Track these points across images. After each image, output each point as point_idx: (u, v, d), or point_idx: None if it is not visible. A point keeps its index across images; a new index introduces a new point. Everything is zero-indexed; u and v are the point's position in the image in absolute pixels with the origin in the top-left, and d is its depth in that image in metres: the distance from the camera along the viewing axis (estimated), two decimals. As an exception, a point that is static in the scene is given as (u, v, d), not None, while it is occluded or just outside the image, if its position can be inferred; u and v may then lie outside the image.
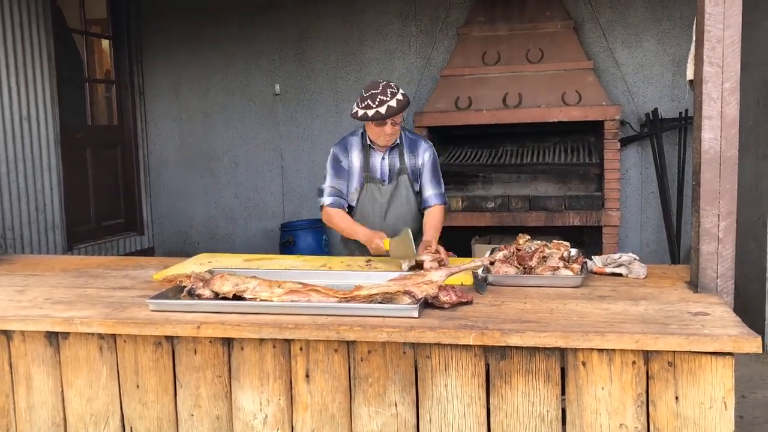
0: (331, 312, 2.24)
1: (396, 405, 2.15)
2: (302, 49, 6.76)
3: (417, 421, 2.15)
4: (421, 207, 3.35)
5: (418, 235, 3.25)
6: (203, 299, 2.38)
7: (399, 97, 3.11)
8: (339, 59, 6.69)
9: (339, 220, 3.27)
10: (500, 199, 5.78)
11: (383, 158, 3.30)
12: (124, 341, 2.32)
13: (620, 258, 2.76)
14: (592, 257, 2.82)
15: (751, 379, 4.14)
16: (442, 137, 6.12)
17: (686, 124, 5.85)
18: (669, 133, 5.98)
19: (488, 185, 6.22)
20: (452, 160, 5.90)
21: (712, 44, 2.30)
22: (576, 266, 2.63)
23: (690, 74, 2.53)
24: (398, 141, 3.29)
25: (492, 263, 2.70)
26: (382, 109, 3.07)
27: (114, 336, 2.32)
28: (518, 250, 2.70)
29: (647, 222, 6.19)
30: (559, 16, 6.02)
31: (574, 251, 2.77)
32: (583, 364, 2.03)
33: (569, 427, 2.06)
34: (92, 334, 2.32)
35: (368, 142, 3.28)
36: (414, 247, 2.86)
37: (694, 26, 2.47)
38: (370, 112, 3.09)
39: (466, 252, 5.48)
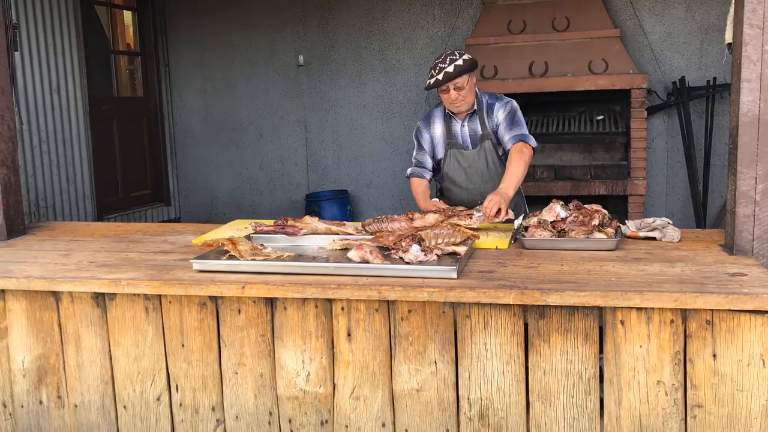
0: (371, 273, 2.29)
1: (436, 363, 2.20)
2: (326, 20, 6.74)
3: (456, 378, 2.20)
4: (507, 158, 3.27)
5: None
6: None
7: (458, 62, 3.15)
8: (363, 29, 6.67)
9: (414, 187, 3.40)
10: (525, 169, 5.77)
11: (462, 125, 3.34)
12: (169, 302, 2.38)
13: (654, 222, 2.78)
14: (626, 221, 2.83)
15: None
16: (467, 107, 6.10)
17: (713, 93, 5.80)
18: (696, 101, 5.92)
19: (513, 155, 6.20)
20: (477, 130, 5.89)
21: (752, 6, 2.29)
22: (610, 230, 2.65)
23: (729, 37, 2.51)
24: (475, 107, 3.31)
25: (526, 228, 2.74)
26: (440, 76, 3.16)
27: (159, 297, 2.38)
28: (578, 209, 2.72)
29: (673, 191, 6.16)
30: (585, -17, 5.95)
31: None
32: (622, 323, 2.06)
33: (607, 384, 2.10)
34: (138, 295, 2.39)
35: (448, 111, 3.34)
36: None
37: (733, -12, 2.45)
38: (432, 81, 3.20)
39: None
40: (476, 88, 3.35)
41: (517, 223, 2.80)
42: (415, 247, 2.37)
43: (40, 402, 2.54)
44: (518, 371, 2.15)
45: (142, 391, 2.45)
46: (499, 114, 3.29)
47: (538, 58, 5.81)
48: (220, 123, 7.20)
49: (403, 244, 2.39)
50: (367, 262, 2.35)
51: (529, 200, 5.73)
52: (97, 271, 2.49)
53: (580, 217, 2.68)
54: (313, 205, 6.58)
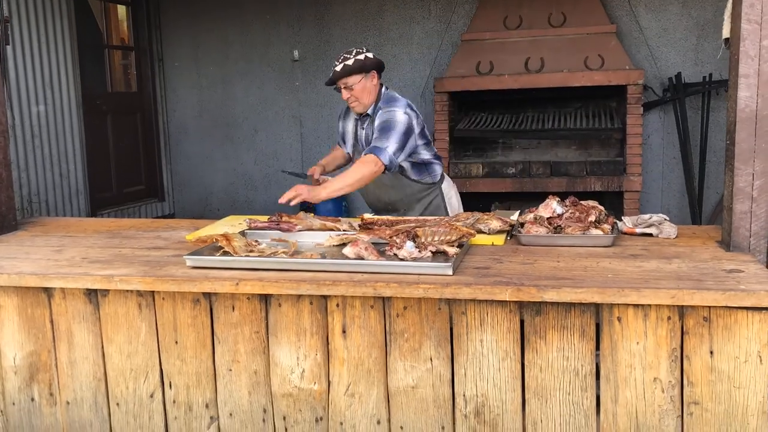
0: (367, 269, 2.27)
1: (431, 360, 2.19)
2: (321, 15, 6.71)
3: (452, 375, 2.18)
4: None
5: (409, 200, 3.33)
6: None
7: (348, 62, 3.09)
8: (358, 25, 6.64)
9: (332, 153, 3.58)
10: (521, 165, 5.77)
11: (362, 127, 3.29)
12: (163, 298, 2.36)
13: (650, 218, 2.77)
14: (622, 218, 2.82)
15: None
16: (463, 102, 6.09)
17: (709, 89, 5.79)
18: (692, 97, 5.92)
19: (509, 151, 6.20)
20: (473, 126, 5.88)
21: (750, 1, 2.27)
22: (606, 226, 2.64)
23: (726, 32, 2.50)
24: (370, 111, 3.20)
25: (522, 225, 2.72)
26: (332, 73, 3.15)
27: (152, 293, 2.36)
28: (574, 205, 2.71)
29: (668, 187, 6.16)
30: (581, -21, 5.93)
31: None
32: (619, 319, 2.05)
33: (603, 381, 2.09)
34: (131, 291, 2.37)
35: None
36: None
37: (731, -17, 2.43)
38: (327, 79, 3.22)
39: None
40: (385, 90, 3.23)
41: (513, 219, 2.78)
42: (409, 244, 2.35)
43: (32, 399, 2.52)
44: (514, 368, 2.14)
45: (135, 388, 2.43)
46: (376, 120, 3.12)
47: (534, 53, 5.80)
48: (214, 118, 7.17)
49: (398, 240, 2.37)
50: (363, 259, 2.34)
51: (525, 196, 5.76)
52: (89, 267, 2.47)
53: (577, 214, 2.66)
54: (308, 202, 6.54)
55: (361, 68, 3.11)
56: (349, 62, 3.09)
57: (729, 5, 2.48)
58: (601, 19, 5.81)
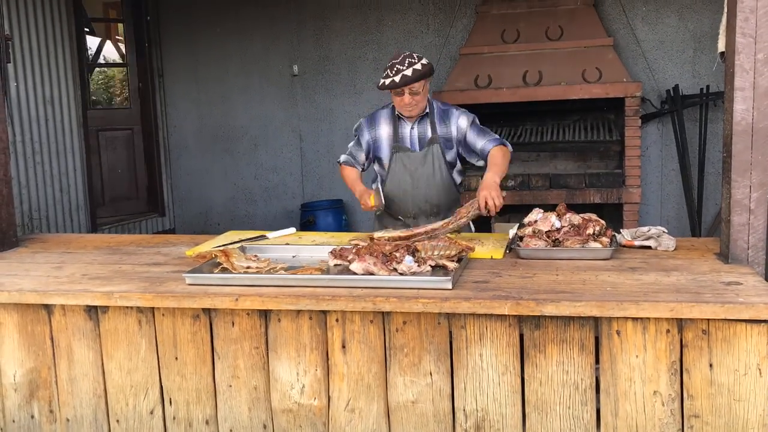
0: (366, 284, 2.27)
1: (431, 374, 2.19)
2: (320, 30, 6.75)
3: (452, 390, 2.18)
4: (484, 161, 3.26)
5: (450, 205, 3.34)
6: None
7: (417, 66, 3.12)
8: (357, 39, 6.68)
9: (347, 174, 3.46)
10: (520, 177, 5.78)
11: (412, 128, 3.32)
12: (162, 315, 2.36)
13: (649, 231, 2.77)
14: (621, 230, 2.83)
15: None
16: (462, 116, 6.10)
17: (707, 101, 5.81)
18: (690, 109, 5.94)
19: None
20: (472, 139, 5.89)
21: (745, 15, 2.29)
22: (605, 239, 2.64)
23: (721, 46, 2.52)
24: (427, 111, 3.29)
25: (521, 238, 2.73)
26: (397, 78, 3.11)
27: (152, 309, 2.37)
28: (568, 211, 2.72)
29: (667, 199, 6.17)
30: (578, -7, 5.97)
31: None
32: (618, 333, 2.05)
33: (603, 395, 2.09)
34: (131, 307, 2.37)
35: (398, 113, 3.32)
36: (381, 199, 3.22)
37: (726, -3, 2.45)
38: (387, 81, 3.14)
39: (485, 230, 5.49)
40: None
41: (512, 232, 2.79)
42: (409, 258, 2.36)
43: (32, 416, 2.52)
44: (514, 382, 2.14)
45: (135, 405, 2.43)
46: (461, 122, 3.28)
47: (531, 67, 5.82)
48: (214, 133, 7.19)
49: (397, 254, 2.38)
50: (372, 274, 2.33)
51: (525, 209, 5.75)
52: (89, 284, 2.47)
53: (575, 227, 2.67)
54: (308, 215, 6.57)
55: (429, 72, 3.18)
56: (418, 67, 3.12)
57: (724, 19, 2.51)
58: (598, 32, 5.84)
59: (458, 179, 3.43)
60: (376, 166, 3.47)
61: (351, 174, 3.45)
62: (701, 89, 5.85)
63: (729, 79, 2.39)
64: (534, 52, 5.90)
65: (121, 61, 7.15)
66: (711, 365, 2.00)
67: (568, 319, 2.07)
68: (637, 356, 2.04)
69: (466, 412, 2.17)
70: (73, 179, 6.04)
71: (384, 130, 3.35)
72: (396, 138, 3.33)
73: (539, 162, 6.15)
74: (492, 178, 3.03)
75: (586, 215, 2.74)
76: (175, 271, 2.60)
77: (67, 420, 2.48)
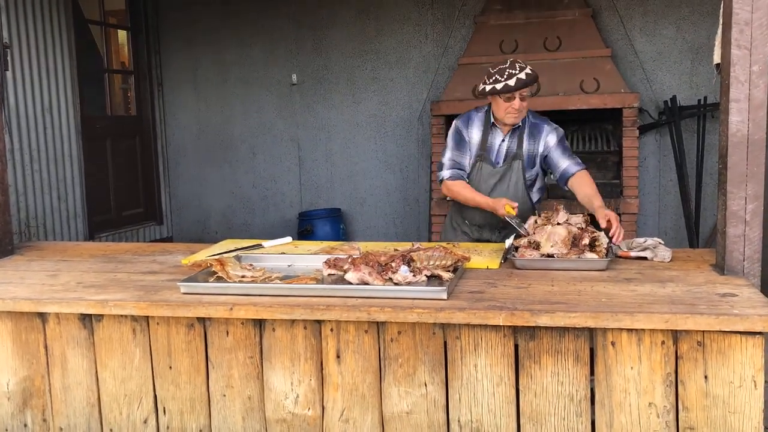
0: (361, 294, 2.27)
1: (426, 385, 2.18)
2: (319, 39, 6.77)
3: (446, 400, 2.18)
4: (561, 182, 3.27)
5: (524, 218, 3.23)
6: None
7: (528, 71, 3.08)
8: (356, 49, 6.70)
9: (461, 190, 3.25)
10: (518, 188, 5.78)
11: (503, 140, 3.25)
12: (157, 323, 2.36)
13: (645, 242, 2.78)
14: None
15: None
16: (460, 126, 6.11)
17: (704, 112, 5.83)
18: (687, 120, 5.95)
19: (506, 174, 6.22)
20: (470, 149, 5.90)
21: (740, 27, 2.30)
22: (601, 250, 2.64)
23: (717, 57, 2.52)
24: (520, 124, 3.23)
25: (516, 248, 2.73)
26: (511, 81, 3.04)
27: (147, 318, 2.36)
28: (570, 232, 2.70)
29: (665, 209, 6.17)
30: (576, 4, 5.99)
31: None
32: (613, 344, 2.05)
33: (598, 406, 2.08)
34: (125, 316, 2.37)
35: (492, 120, 3.25)
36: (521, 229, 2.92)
37: (721, 9, 2.46)
38: (499, 86, 3.06)
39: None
40: None
41: (508, 243, 2.79)
42: (404, 268, 2.35)
43: (25, 425, 2.50)
44: (509, 393, 2.13)
45: (129, 414, 2.42)
46: (550, 138, 3.24)
47: (530, 77, 5.83)
48: (213, 142, 7.20)
49: (393, 264, 2.37)
50: (366, 284, 2.32)
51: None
52: (84, 292, 2.47)
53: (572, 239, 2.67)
54: (306, 224, 6.56)
55: (537, 78, 3.13)
56: (529, 71, 3.07)
57: (719, 31, 2.51)
58: (596, 43, 5.86)
59: (536, 197, 3.36)
60: None
61: (465, 189, 3.24)
62: (699, 100, 5.86)
63: (725, 90, 2.40)
64: (532, 62, 5.87)
65: (121, 69, 7.15)
66: (706, 377, 2.00)
67: (563, 330, 2.07)
68: (632, 368, 2.04)
69: (461, 423, 2.17)
70: (70, 187, 6.04)
71: (475, 134, 3.27)
72: (484, 146, 3.25)
73: (537, 172, 6.15)
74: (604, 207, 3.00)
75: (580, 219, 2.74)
76: (171, 280, 2.59)
77: (61, 429, 2.47)
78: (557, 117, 5.83)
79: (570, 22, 5.94)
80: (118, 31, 7.03)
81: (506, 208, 2.99)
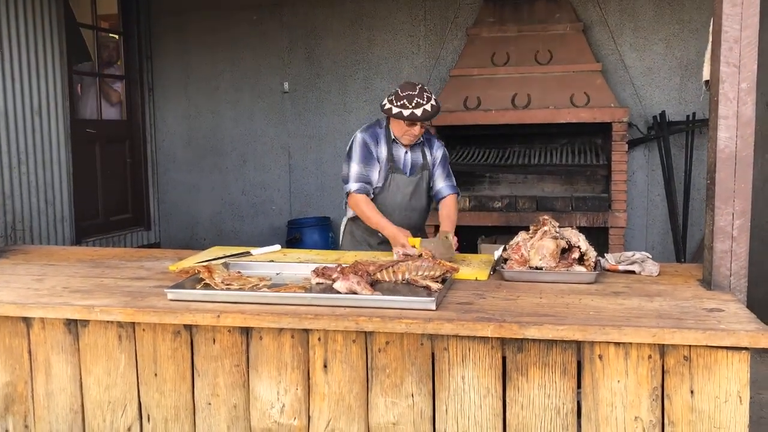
0: (349, 303, 2.26)
1: (413, 396, 2.18)
2: (311, 48, 6.78)
3: (433, 412, 2.17)
4: (435, 199, 3.49)
5: (421, 226, 3.51)
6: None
7: (433, 102, 3.25)
8: (348, 58, 6.71)
9: (366, 209, 3.30)
10: (507, 199, 5.80)
11: (406, 152, 3.41)
12: (143, 330, 2.34)
13: (633, 256, 2.79)
14: (605, 255, 2.84)
15: (756, 380, 4.16)
16: (451, 137, 6.13)
17: (693, 128, 5.88)
18: (676, 135, 5.99)
19: (495, 185, 6.24)
20: (460, 160, 5.92)
21: (729, 45, 2.32)
22: (590, 263, 2.65)
23: (706, 74, 2.55)
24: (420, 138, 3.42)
25: (505, 260, 2.73)
26: (418, 112, 3.18)
27: (133, 325, 2.34)
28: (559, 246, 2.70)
29: (653, 224, 6.21)
30: (567, 18, 6.04)
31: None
32: (600, 357, 2.05)
33: (584, 419, 2.08)
34: (111, 322, 2.35)
35: (393, 136, 3.38)
36: (453, 251, 3.02)
37: (711, 26, 2.49)
38: (406, 112, 3.18)
39: (472, 251, 5.50)
40: None
41: (497, 254, 2.79)
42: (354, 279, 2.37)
43: (6, 431, 2.47)
44: (495, 405, 2.13)
45: (112, 421, 2.39)
46: (438, 153, 3.48)
47: (521, 90, 5.86)
48: (203, 148, 7.18)
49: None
50: (355, 293, 2.32)
51: (512, 230, 5.76)
52: (70, 297, 2.45)
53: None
54: (294, 232, 6.55)
55: (439, 109, 3.32)
56: (434, 103, 3.25)
57: (709, 48, 2.54)
58: (587, 57, 5.90)
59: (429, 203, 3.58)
60: None
61: (370, 207, 3.30)
62: (687, 116, 5.91)
63: (713, 107, 2.41)
64: (523, 75, 5.94)
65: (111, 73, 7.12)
66: (692, 392, 2.00)
67: (550, 343, 2.07)
68: (618, 381, 2.04)
69: (447, 435, 2.16)
70: (58, 191, 6.00)
71: (383, 150, 3.38)
72: (391, 159, 3.38)
73: (526, 184, 6.18)
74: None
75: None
76: (158, 286, 2.58)
77: (43, 435, 2.44)
78: (547, 130, 5.93)
79: (561, 36, 5.99)
80: (111, 35, 7.00)
81: (411, 241, 3.09)
